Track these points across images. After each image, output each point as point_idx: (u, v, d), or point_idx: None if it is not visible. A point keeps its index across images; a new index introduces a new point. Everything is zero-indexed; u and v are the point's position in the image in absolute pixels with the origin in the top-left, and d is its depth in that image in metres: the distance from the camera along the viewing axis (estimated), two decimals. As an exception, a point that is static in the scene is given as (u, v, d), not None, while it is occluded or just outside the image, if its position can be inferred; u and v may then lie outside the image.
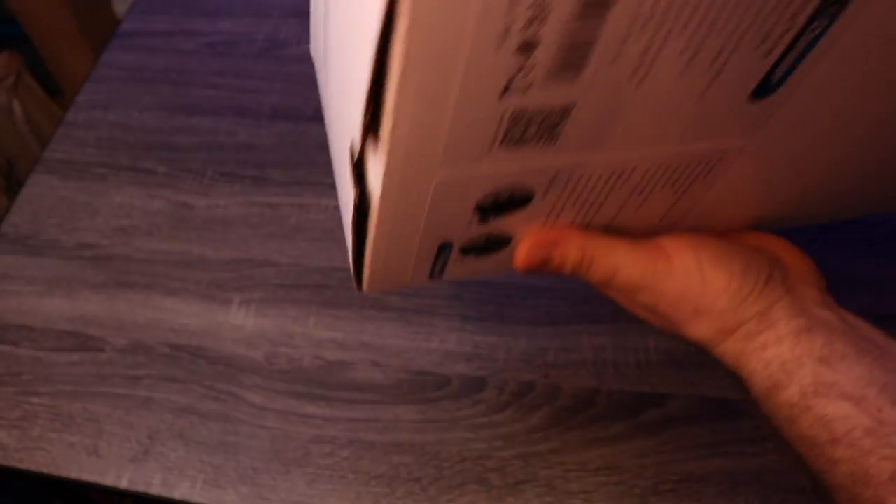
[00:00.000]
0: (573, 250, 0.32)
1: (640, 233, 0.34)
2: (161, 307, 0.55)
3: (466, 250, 0.33)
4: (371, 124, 0.24)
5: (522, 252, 0.32)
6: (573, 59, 0.23)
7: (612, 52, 0.23)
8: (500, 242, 0.32)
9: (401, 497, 0.46)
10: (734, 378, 0.33)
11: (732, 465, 0.46)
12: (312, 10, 0.37)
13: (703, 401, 0.48)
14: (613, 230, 0.34)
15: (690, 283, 0.31)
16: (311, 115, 0.65)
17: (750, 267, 0.32)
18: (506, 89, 0.23)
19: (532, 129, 0.25)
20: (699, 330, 0.32)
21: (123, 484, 0.47)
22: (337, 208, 0.59)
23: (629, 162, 0.30)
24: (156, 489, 0.47)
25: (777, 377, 0.30)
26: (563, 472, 0.46)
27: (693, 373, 0.49)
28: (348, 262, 0.33)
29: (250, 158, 0.63)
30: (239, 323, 0.53)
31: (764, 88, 0.27)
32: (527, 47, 0.22)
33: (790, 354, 0.30)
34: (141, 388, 0.51)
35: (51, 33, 1.24)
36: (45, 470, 0.48)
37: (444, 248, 0.32)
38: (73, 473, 0.48)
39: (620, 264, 0.32)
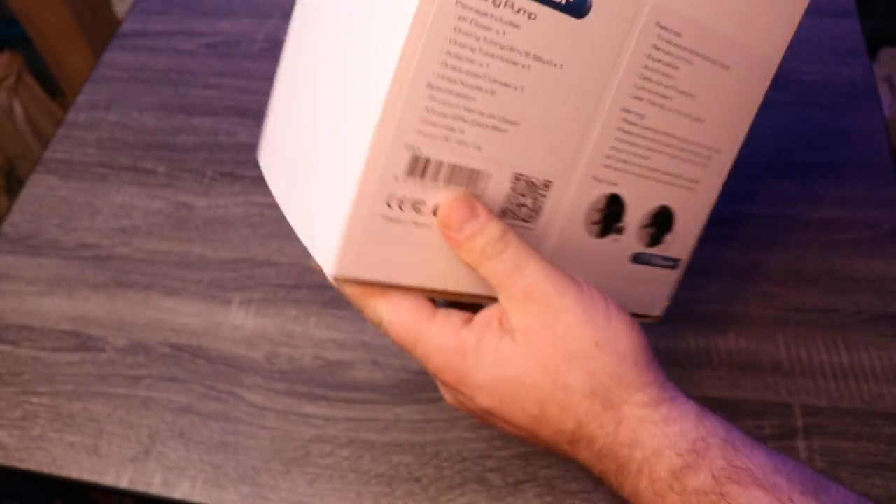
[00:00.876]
0: (497, 224, 0.30)
1: None
2: (161, 307, 0.55)
3: None
4: None
5: (450, 199, 0.30)
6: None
7: None
8: None
9: (401, 497, 0.46)
10: (712, 405, 0.31)
11: (732, 465, 0.46)
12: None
13: (703, 401, 0.48)
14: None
15: (597, 314, 0.29)
16: (312, 115, 0.65)
17: (646, 335, 0.31)
18: None
19: None
20: (596, 373, 0.29)
21: (124, 484, 0.47)
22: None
23: None
24: (156, 489, 0.47)
25: (687, 458, 0.27)
26: (562, 471, 0.46)
27: (693, 372, 0.49)
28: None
29: (250, 158, 0.63)
30: (239, 323, 0.53)
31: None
32: None
33: (696, 433, 0.28)
34: (141, 387, 0.51)
35: (51, 34, 1.24)
36: (45, 470, 0.48)
37: None
38: (74, 473, 0.48)
39: (532, 262, 0.30)
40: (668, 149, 0.34)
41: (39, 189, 0.62)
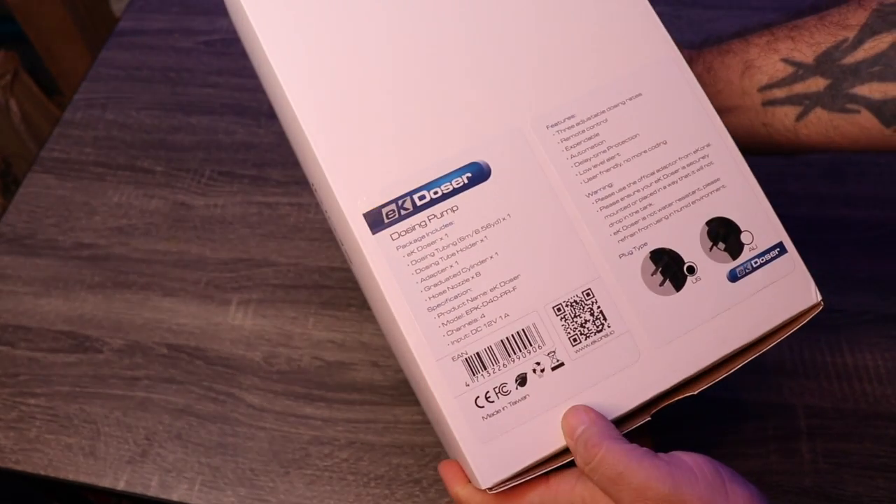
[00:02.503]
0: (593, 433, 0.31)
1: None
2: (159, 307, 0.54)
3: None
4: None
5: (570, 411, 0.32)
6: None
7: None
8: None
9: (400, 499, 0.46)
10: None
11: (734, 466, 0.46)
12: None
13: (706, 402, 0.48)
14: None
15: (716, 496, 0.30)
16: (310, 114, 0.65)
17: (759, 491, 0.31)
18: None
19: None
20: None
21: (121, 486, 0.47)
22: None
23: None
24: (154, 491, 0.47)
25: None
26: (564, 473, 0.45)
27: (695, 374, 0.49)
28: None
29: (249, 158, 0.62)
30: (237, 323, 0.53)
31: None
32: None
33: None
34: (139, 388, 0.51)
35: (48, 32, 1.24)
36: (42, 472, 0.48)
37: None
38: (71, 475, 0.47)
39: (633, 465, 0.30)
40: (659, 184, 0.34)
41: (36, 188, 0.62)
